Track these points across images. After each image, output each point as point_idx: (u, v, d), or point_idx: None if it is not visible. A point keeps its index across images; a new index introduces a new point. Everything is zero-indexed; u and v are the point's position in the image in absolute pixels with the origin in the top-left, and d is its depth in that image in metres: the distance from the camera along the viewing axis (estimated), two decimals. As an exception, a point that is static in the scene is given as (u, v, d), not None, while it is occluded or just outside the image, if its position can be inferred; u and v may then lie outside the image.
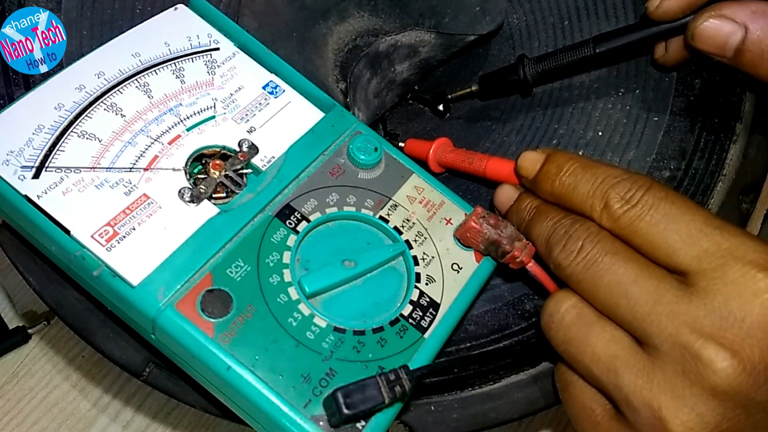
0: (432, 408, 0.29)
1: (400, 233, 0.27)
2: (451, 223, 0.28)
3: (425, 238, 0.28)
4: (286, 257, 0.25)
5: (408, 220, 0.28)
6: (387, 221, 0.27)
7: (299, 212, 0.26)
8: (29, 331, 0.44)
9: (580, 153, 0.34)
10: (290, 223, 0.26)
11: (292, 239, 0.26)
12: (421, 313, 0.26)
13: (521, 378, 0.30)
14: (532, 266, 0.26)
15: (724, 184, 0.33)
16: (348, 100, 0.33)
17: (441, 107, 0.39)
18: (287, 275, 0.25)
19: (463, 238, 0.28)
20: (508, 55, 0.37)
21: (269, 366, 0.22)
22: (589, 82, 0.35)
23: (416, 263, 0.27)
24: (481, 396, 0.30)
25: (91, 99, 0.27)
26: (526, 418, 0.31)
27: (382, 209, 0.28)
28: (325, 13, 0.38)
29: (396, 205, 0.28)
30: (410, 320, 0.25)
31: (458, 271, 0.27)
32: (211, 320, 0.23)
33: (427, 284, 0.27)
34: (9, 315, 0.45)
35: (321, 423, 0.22)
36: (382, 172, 0.29)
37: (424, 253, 0.27)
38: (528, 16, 0.37)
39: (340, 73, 0.38)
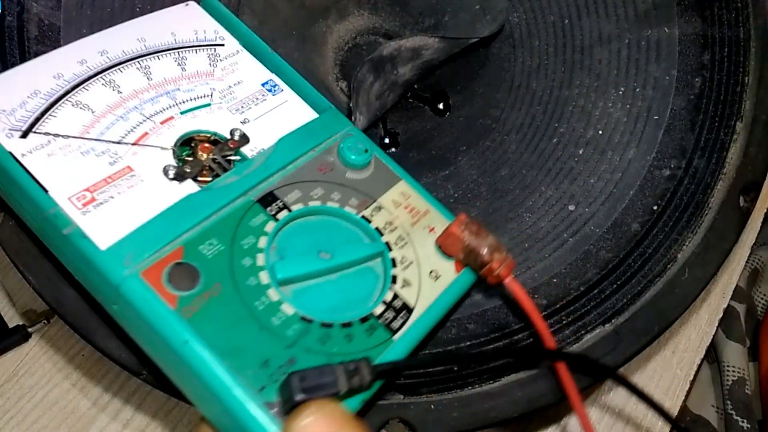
0: (432, 407, 0.29)
1: (381, 234, 0.27)
2: (434, 232, 0.28)
3: (406, 243, 0.27)
4: (262, 242, 0.25)
5: (391, 223, 0.28)
6: (369, 221, 0.27)
7: (281, 201, 0.26)
8: (29, 329, 0.44)
9: (581, 152, 0.34)
10: (271, 210, 0.26)
11: (270, 225, 0.25)
12: (393, 315, 0.25)
13: (521, 376, 0.30)
14: (510, 281, 0.26)
15: (724, 182, 0.33)
16: (351, 104, 0.33)
17: (441, 106, 0.39)
18: (260, 259, 0.24)
19: (444, 245, 0.27)
20: (508, 53, 0.37)
21: (228, 345, 0.22)
22: (589, 81, 0.35)
23: (394, 265, 0.27)
24: (481, 394, 0.30)
25: (90, 73, 0.27)
26: (527, 417, 0.31)
27: (365, 209, 0.28)
28: (324, 12, 0.38)
29: (380, 208, 0.28)
30: (381, 320, 0.25)
31: (436, 279, 0.27)
32: (176, 292, 0.22)
33: (402, 287, 0.26)
34: (9, 314, 0.45)
35: (274, 410, 0.21)
36: (370, 175, 0.29)
37: (403, 257, 0.27)
38: (528, 15, 0.37)
39: (340, 71, 0.38)
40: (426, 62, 0.36)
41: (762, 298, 0.49)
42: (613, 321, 0.31)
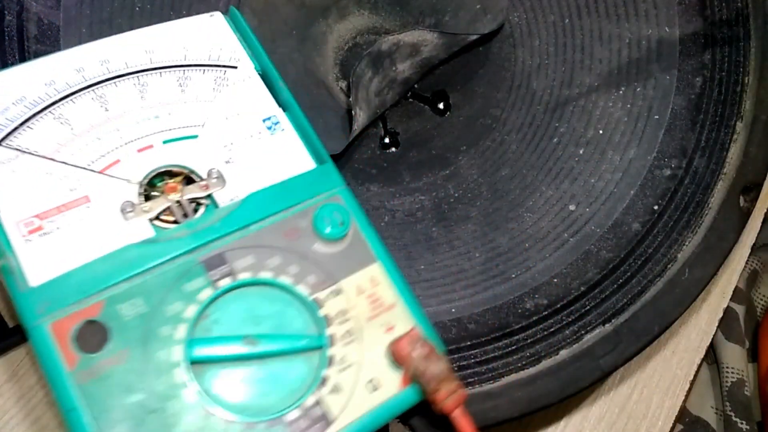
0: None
1: (329, 324, 0.24)
2: (393, 332, 0.25)
3: (354, 339, 0.24)
4: (190, 311, 0.23)
5: (345, 312, 0.24)
6: (321, 306, 0.24)
7: (229, 266, 0.24)
8: (28, 329, 0.44)
9: (581, 152, 0.34)
10: (213, 275, 0.23)
11: (206, 293, 0.23)
12: (306, 425, 0.22)
13: (521, 377, 0.30)
14: (457, 416, 0.23)
15: (724, 182, 0.33)
16: (350, 99, 0.33)
17: (441, 105, 0.39)
18: (180, 331, 0.22)
19: (394, 353, 0.24)
20: (508, 53, 0.37)
21: (114, 425, 0.21)
22: (590, 81, 0.35)
23: (330, 364, 0.23)
24: (481, 395, 0.30)
25: (83, 85, 0.26)
26: (526, 417, 0.31)
27: (321, 291, 0.24)
28: (324, 11, 0.38)
29: (339, 292, 0.25)
30: (290, 428, 0.22)
31: (373, 390, 0.24)
32: (78, 353, 0.21)
33: (330, 392, 0.23)
34: (9, 314, 0.45)
35: None
36: (341, 250, 0.25)
37: (344, 356, 0.24)
38: (528, 14, 0.37)
39: (341, 71, 0.38)
40: (425, 59, 0.36)
41: (761, 300, 0.49)
42: (613, 321, 0.31)
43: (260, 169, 0.26)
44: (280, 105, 0.28)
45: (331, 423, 0.23)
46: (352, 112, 0.33)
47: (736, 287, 0.45)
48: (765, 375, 0.45)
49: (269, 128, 0.27)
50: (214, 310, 0.23)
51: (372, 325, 0.25)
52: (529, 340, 0.31)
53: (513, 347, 0.31)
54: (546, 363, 0.30)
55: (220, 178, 0.25)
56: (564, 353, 0.31)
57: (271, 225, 0.25)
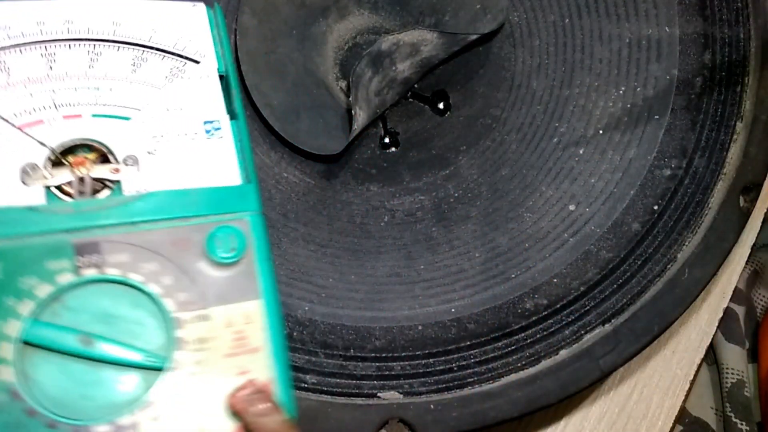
0: (432, 407, 0.29)
1: (181, 349, 0.22)
2: (245, 377, 0.23)
3: (200, 373, 0.22)
4: (43, 290, 0.21)
5: (204, 341, 0.23)
6: (180, 327, 0.22)
7: (102, 257, 0.22)
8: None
9: (581, 152, 0.34)
10: (81, 262, 0.22)
11: (66, 277, 0.22)
12: None
13: (521, 377, 0.30)
14: None
15: (724, 182, 0.33)
16: (350, 99, 0.33)
17: (441, 105, 0.39)
18: (25, 307, 0.21)
19: (230, 404, 0.22)
20: (509, 53, 0.37)
21: None
22: (590, 81, 0.35)
23: (162, 390, 0.22)
24: (481, 394, 0.30)
25: (38, 39, 0.25)
26: (526, 417, 0.31)
27: (188, 312, 0.23)
28: (324, 11, 0.38)
29: (207, 318, 0.23)
30: None
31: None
32: None
33: (151, 420, 0.21)
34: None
35: None
36: (225, 276, 0.24)
37: (182, 386, 0.22)
38: (528, 14, 0.37)
39: (341, 71, 0.38)
40: (425, 59, 0.36)
41: (761, 300, 0.49)
42: (612, 321, 0.31)
43: (181, 169, 0.25)
44: (228, 113, 0.27)
45: None
46: (352, 111, 0.33)
47: (736, 288, 0.45)
48: (765, 376, 0.45)
49: (207, 131, 0.26)
50: (70, 297, 0.22)
51: (227, 363, 0.23)
52: (528, 340, 0.31)
53: (512, 347, 0.31)
54: (546, 363, 0.30)
55: (135, 167, 0.24)
56: (564, 353, 0.30)
57: (163, 229, 0.23)
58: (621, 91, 0.34)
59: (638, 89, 0.34)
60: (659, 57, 0.35)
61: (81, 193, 0.23)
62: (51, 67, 0.25)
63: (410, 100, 0.39)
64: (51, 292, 0.22)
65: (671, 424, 0.40)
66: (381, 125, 0.38)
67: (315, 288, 0.31)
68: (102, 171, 0.24)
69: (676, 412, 0.40)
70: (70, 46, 0.25)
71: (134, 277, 0.23)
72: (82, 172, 0.24)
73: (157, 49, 0.26)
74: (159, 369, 0.22)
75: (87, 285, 0.22)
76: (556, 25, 0.36)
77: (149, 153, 0.25)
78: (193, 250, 0.23)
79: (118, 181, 0.24)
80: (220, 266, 0.24)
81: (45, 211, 0.22)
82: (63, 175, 0.23)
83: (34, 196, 0.23)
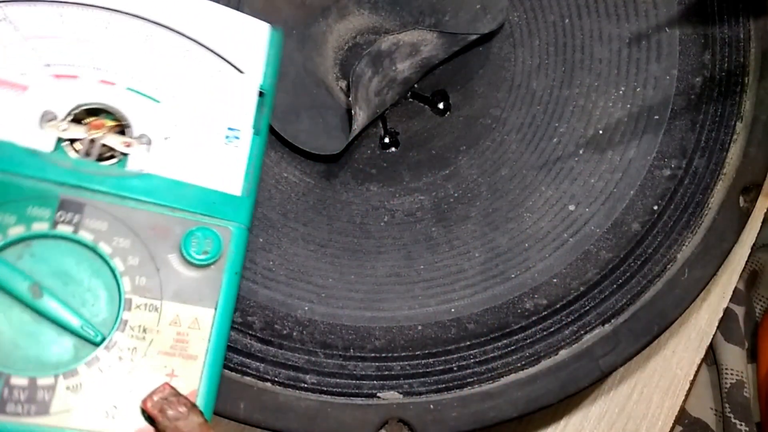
0: (431, 407, 0.29)
1: (121, 330, 0.22)
2: (172, 380, 0.22)
3: (130, 362, 0.22)
4: (15, 230, 0.22)
5: (146, 331, 0.23)
6: (128, 309, 0.23)
7: (80, 218, 0.23)
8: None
9: (581, 152, 0.34)
10: (60, 216, 0.23)
11: (40, 226, 0.22)
12: (19, 396, 0.21)
13: (521, 377, 0.30)
14: None
15: (724, 182, 0.33)
16: (350, 98, 0.33)
17: (441, 105, 0.39)
18: None
19: (144, 407, 0.22)
20: (508, 53, 0.37)
21: None
22: (589, 80, 0.35)
23: (89, 364, 0.22)
24: (481, 394, 0.30)
25: (99, 3, 0.26)
26: (526, 417, 0.31)
27: (141, 297, 0.23)
28: (324, 11, 0.38)
29: (156, 310, 0.23)
30: (5, 390, 0.21)
31: (106, 418, 0.22)
32: None
33: (67, 389, 0.21)
34: None
35: None
36: (190, 276, 0.24)
37: (108, 367, 0.22)
38: (528, 14, 0.37)
39: (340, 71, 0.38)
40: (425, 59, 0.36)
41: (761, 300, 0.49)
42: (612, 321, 0.31)
43: (188, 162, 0.25)
44: (254, 127, 0.27)
45: (42, 414, 0.21)
46: (352, 111, 0.33)
47: (735, 288, 0.45)
48: (764, 376, 0.45)
49: (227, 137, 0.27)
50: (38, 245, 0.22)
51: (160, 360, 0.23)
52: (528, 340, 0.31)
53: (512, 347, 0.31)
54: (545, 363, 0.30)
55: (147, 147, 0.25)
56: (563, 353, 0.30)
57: (147, 212, 0.24)
58: (621, 91, 0.34)
59: (638, 89, 0.34)
60: (659, 57, 0.35)
61: (87, 154, 0.24)
62: (105, 33, 0.26)
63: (410, 100, 0.39)
64: (22, 234, 0.22)
65: (671, 424, 0.40)
66: (381, 125, 0.38)
67: (315, 288, 0.31)
68: (114, 140, 0.25)
69: (676, 412, 0.40)
70: (130, 20, 0.26)
71: (103, 247, 0.23)
72: (95, 135, 0.24)
73: (210, 50, 0.27)
74: (94, 343, 0.22)
75: (57, 240, 0.23)
76: (556, 25, 0.36)
77: (164, 138, 0.25)
78: (169, 241, 0.24)
79: (126, 155, 0.25)
80: (189, 265, 0.24)
81: (46, 158, 0.23)
82: (77, 132, 0.24)
83: (44, 143, 0.24)
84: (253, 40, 0.29)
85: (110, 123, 0.25)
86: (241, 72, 0.28)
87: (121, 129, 0.25)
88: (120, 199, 0.24)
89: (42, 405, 0.21)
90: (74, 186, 0.23)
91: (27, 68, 0.24)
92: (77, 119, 0.25)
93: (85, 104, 0.25)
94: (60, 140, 0.24)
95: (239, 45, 0.28)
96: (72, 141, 0.24)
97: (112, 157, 0.25)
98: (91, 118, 0.25)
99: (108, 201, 0.24)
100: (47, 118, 0.24)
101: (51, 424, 0.21)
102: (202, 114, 0.27)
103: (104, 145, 0.25)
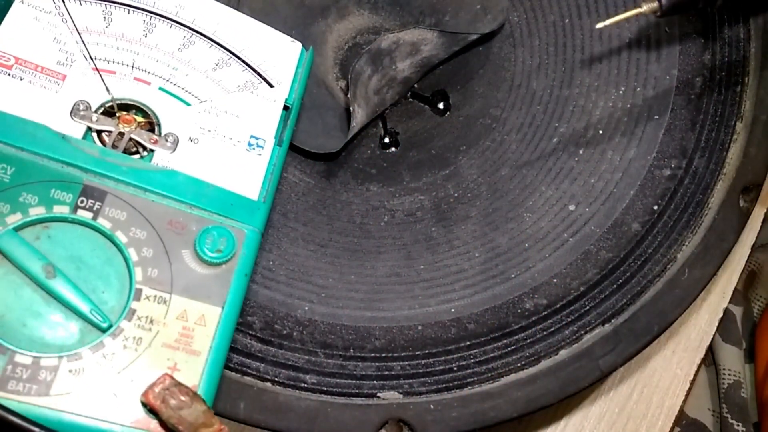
0: (431, 407, 0.29)
1: (128, 319, 0.23)
2: (174, 373, 0.22)
3: (134, 351, 0.22)
4: (36, 211, 0.22)
5: (152, 322, 0.23)
6: (137, 299, 0.23)
7: (101, 206, 0.23)
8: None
9: (581, 152, 0.34)
10: (82, 202, 0.23)
11: (61, 209, 0.23)
12: (22, 375, 0.21)
13: (521, 377, 0.30)
14: None
15: (724, 182, 0.33)
16: (348, 96, 0.33)
17: (441, 105, 0.39)
18: (13, 218, 0.22)
19: (145, 400, 0.22)
20: (508, 53, 0.37)
21: None
22: (589, 80, 0.35)
23: (94, 350, 0.22)
24: (481, 394, 0.30)
25: (146, 6, 0.28)
26: (526, 417, 0.31)
27: (151, 288, 0.23)
28: (324, 11, 0.38)
29: (165, 302, 0.23)
30: (9, 366, 0.21)
31: (109, 404, 0.22)
32: None
33: (70, 373, 0.21)
34: None
35: None
36: (201, 273, 0.24)
37: (112, 355, 0.22)
38: (528, 14, 0.37)
39: (340, 71, 0.38)
40: (425, 59, 0.36)
41: (758, 300, 0.49)
42: (612, 321, 0.31)
43: (210, 165, 0.27)
44: (276, 137, 0.29)
45: (42, 395, 0.21)
46: (351, 109, 0.33)
47: (734, 288, 0.45)
48: (762, 376, 0.45)
49: (250, 144, 0.28)
50: (56, 228, 0.23)
51: (163, 353, 0.23)
52: (528, 340, 0.31)
53: (512, 347, 0.31)
54: (545, 363, 0.30)
55: (173, 145, 0.26)
56: (563, 353, 0.30)
57: (167, 207, 0.25)
58: (621, 91, 0.34)
59: (638, 89, 0.34)
60: (659, 57, 0.35)
61: (114, 146, 0.25)
62: (146, 35, 0.27)
63: (410, 99, 0.39)
64: (42, 215, 0.23)
65: (671, 424, 0.40)
66: (381, 125, 0.38)
67: (315, 288, 0.31)
68: (142, 136, 0.26)
69: (676, 412, 0.40)
70: (171, 26, 0.28)
71: (120, 236, 0.24)
72: (124, 129, 0.26)
73: (243, 61, 0.29)
74: (100, 329, 0.22)
75: (75, 225, 0.23)
76: (556, 25, 0.36)
77: (190, 139, 0.27)
78: (185, 236, 0.24)
79: (152, 151, 0.26)
80: (201, 262, 0.24)
81: (75, 144, 0.24)
82: (107, 124, 0.25)
83: (73, 130, 0.25)
84: (284, 56, 0.31)
85: (140, 119, 0.27)
86: (271, 86, 0.30)
87: (150, 126, 0.27)
88: (141, 191, 0.24)
89: (43, 385, 0.21)
90: (98, 174, 0.24)
91: (69, 59, 0.26)
92: (109, 112, 0.26)
93: (119, 99, 0.26)
94: (89, 130, 0.25)
95: (271, 60, 0.30)
96: (100, 132, 0.26)
97: (137, 152, 0.26)
98: (122, 113, 0.26)
99: (130, 192, 0.24)
100: (81, 107, 0.25)
101: (50, 406, 0.21)
102: (229, 120, 0.28)
103: (131, 140, 0.26)
